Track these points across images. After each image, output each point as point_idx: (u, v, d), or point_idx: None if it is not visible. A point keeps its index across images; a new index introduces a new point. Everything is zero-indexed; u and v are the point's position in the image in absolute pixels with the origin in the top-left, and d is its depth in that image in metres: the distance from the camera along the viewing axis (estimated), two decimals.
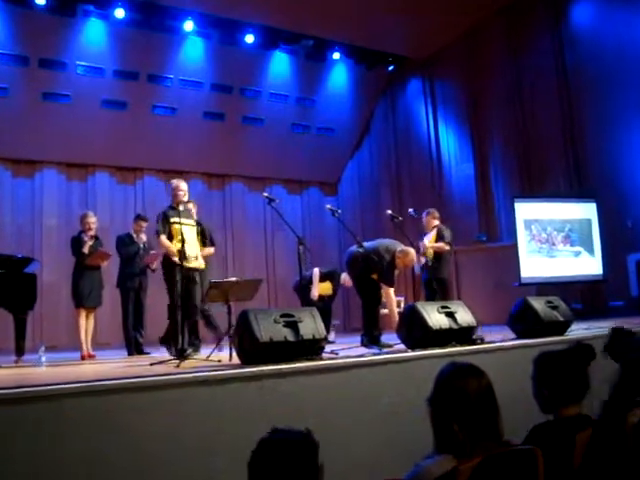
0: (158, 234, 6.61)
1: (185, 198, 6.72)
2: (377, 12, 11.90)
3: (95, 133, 12.17)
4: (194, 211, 7.38)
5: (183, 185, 6.78)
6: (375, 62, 14.21)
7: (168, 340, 6.81)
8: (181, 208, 6.55)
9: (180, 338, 6.00)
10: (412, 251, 7.14)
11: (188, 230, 6.61)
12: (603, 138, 11.49)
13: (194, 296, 6.64)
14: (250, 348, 4.50)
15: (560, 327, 6.50)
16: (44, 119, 11.67)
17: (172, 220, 6.58)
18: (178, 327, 6.03)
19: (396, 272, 7.16)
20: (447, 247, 8.44)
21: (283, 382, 4.08)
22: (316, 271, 9.21)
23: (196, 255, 6.68)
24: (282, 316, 4.66)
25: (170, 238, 6.56)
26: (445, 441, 2.14)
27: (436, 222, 8.81)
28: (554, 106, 12.17)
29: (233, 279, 6.20)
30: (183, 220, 6.44)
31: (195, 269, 6.64)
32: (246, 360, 4.55)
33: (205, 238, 7.26)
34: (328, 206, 7.35)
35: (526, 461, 2.18)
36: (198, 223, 7.14)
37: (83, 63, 11.72)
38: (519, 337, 6.30)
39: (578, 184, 11.89)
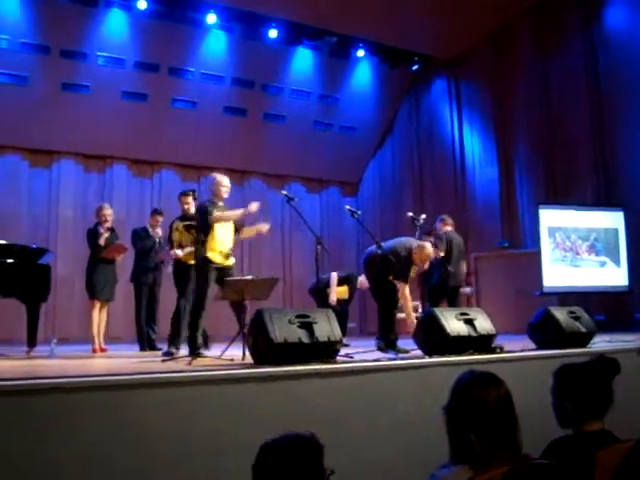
0: (210, 213, 6.16)
1: (227, 195, 6.46)
2: (403, 10, 11.76)
3: (114, 125, 12.12)
4: (193, 204, 7.15)
5: (226, 181, 6.47)
6: (400, 61, 14.07)
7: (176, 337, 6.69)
8: (221, 204, 6.40)
9: (199, 338, 5.91)
10: (428, 245, 7.02)
11: (226, 227, 6.38)
12: (634, 145, 11.23)
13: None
14: (264, 348, 4.43)
15: (582, 339, 6.36)
16: (63, 109, 11.63)
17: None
18: (199, 328, 5.90)
19: (415, 269, 7.02)
20: (441, 253, 8.23)
21: (296, 384, 4.03)
22: (334, 275, 9.10)
23: (230, 253, 6.41)
24: (297, 317, 4.58)
25: (207, 233, 6.19)
26: (461, 451, 2.07)
27: (447, 229, 8.64)
28: (583, 110, 11.93)
29: (249, 277, 6.04)
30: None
31: (230, 267, 6.38)
32: (259, 360, 4.50)
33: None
34: (347, 207, 7.24)
35: (546, 476, 2.09)
36: (193, 218, 6.84)
37: (104, 54, 11.68)
38: (539, 347, 6.17)
39: (606, 192, 11.63)
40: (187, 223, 7.09)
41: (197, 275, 6.26)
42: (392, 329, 6.86)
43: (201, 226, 6.28)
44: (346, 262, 12.65)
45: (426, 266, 7.22)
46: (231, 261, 6.40)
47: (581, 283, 10.86)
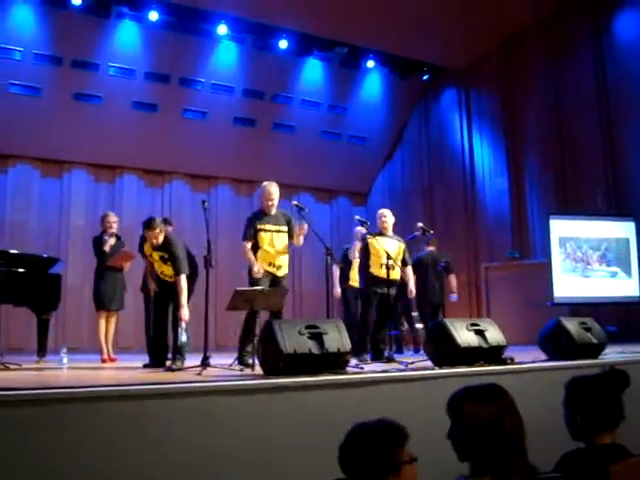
0: (243, 239, 6.35)
1: (275, 203, 6.48)
2: (413, 21, 11.79)
3: (125, 135, 12.20)
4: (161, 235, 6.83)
5: (273, 194, 6.45)
6: (410, 71, 14.06)
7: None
8: (273, 212, 6.46)
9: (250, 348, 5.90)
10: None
11: (276, 237, 6.43)
12: None
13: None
14: (273, 359, 4.42)
15: (593, 350, 6.32)
16: (75, 119, 11.71)
17: (259, 226, 6.36)
18: (252, 337, 5.91)
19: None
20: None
21: (306, 395, 4.01)
22: (334, 270, 9.10)
23: (281, 264, 6.49)
24: (307, 327, 4.57)
25: (257, 246, 6.33)
26: (482, 463, 2.06)
27: (430, 248, 9.36)
28: (594, 120, 11.91)
29: (259, 287, 6.03)
30: (270, 227, 6.38)
31: (281, 278, 6.49)
32: (269, 371, 4.49)
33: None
34: (357, 217, 7.27)
35: None
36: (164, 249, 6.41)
37: (115, 64, 11.76)
38: (550, 359, 6.13)
39: (616, 202, 11.59)
40: (161, 254, 6.34)
41: (250, 284, 6.28)
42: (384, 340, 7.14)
43: (244, 235, 6.37)
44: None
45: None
46: (281, 272, 6.47)
47: (592, 294, 10.82)
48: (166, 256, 6.25)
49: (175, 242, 6.30)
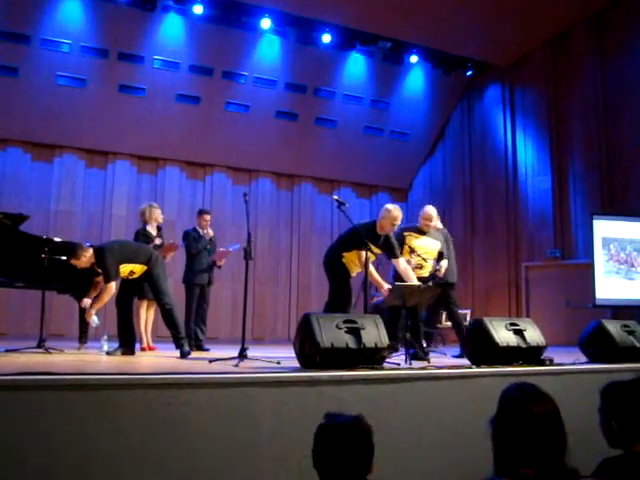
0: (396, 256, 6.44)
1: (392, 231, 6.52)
2: (458, 16, 11.68)
3: (168, 127, 12.35)
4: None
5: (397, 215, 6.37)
6: (453, 67, 13.94)
7: None
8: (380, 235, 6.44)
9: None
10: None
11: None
12: None
13: None
14: (310, 352, 4.42)
15: (637, 354, 6.19)
16: (119, 111, 11.90)
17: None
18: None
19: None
20: None
21: (342, 389, 4.01)
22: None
23: None
24: (345, 322, 4.55)
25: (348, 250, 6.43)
26: (506, 465, 2.02)
27: None
28: None
29: (415, 283, 6.12)
30: (374, 248, 6.36)
31: None
32: (306, 364, 4.48)
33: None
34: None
35: None
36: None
37: (160, 57, 11.92)
38: (591, 361, 6.03)
39: None
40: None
41: (336, 278, 6.49)
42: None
43: (349, 241, 6.41)
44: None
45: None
46: None
47: (635, 296, 10.61)
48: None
49: (102, 255, 6.34)
